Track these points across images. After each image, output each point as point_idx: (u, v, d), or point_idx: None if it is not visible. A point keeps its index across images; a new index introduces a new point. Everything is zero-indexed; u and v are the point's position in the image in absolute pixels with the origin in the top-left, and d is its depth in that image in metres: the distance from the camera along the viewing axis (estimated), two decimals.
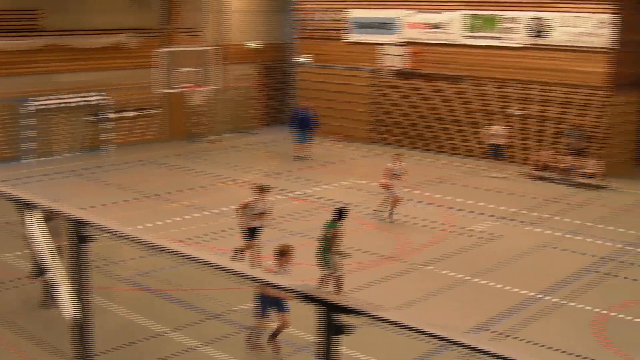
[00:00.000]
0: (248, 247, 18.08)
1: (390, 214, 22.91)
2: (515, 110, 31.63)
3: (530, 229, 22.64)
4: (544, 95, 31.09)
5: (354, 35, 36.41)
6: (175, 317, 15.54)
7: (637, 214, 25.05)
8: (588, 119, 29.78)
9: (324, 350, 5.65)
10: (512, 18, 31.57)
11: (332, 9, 37.08)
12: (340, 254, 16.27)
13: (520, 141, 30.97)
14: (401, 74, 34.60)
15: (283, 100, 40.24)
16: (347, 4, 36.57)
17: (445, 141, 33.94)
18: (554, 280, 18.15)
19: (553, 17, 30.56)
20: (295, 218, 22.76)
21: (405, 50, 34.25)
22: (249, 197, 18.10)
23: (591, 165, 28.54)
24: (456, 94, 33.51)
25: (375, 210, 23.07)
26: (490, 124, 30.07)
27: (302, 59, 38.25)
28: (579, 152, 29.05)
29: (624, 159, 31.60)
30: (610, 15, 29.26)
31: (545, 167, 29.51)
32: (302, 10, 38.25)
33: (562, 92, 30.63)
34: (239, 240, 18.30)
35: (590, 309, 16.65)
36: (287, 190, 25.99)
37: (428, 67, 34.10)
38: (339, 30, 36.86)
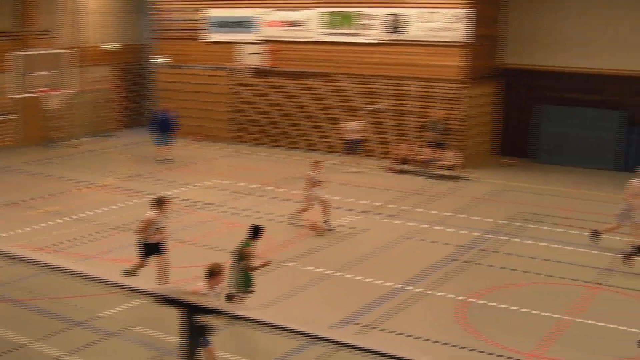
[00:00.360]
0: (141, 265, 16.67)
1: (326, 222, 22.00)
2: (374, 105, 32.07)
3: (392, 221, 22.97)
4: (402, 90, 31.62)
5: (212, 34, 36.17)
6: (38, 327, 15.09)
7: (495, 202, 25.76)
8: (446, 111, 30.44)
9: (187, 352, 5.59)
10: (369, 14, 31.97)
11: (189, 9, 36.73)
12: (255, 269, 15.25)
13: (380, 135, 31.44)
14: (260, 72, 34.58)
15: (142, 102, 39.68)
16: (204, 4, 36.27)
17: (305, 138, 34.11)
18: (418, 271, 18.46)
19: (409, 13, 31.10)
20: None
21: (264, 49, 34.23)
22: (149, 212, 16.65)
23: (449, 156, 29.20)
24: (315, 90, 33.73)
25: (325, 222, 21.91)
26: (348, 120, 30.39)
27: (160, 60, 37.77)
28: (438, 145, 29.65)
29: (481, 150, 32.48)
30: (465, 10, 29.99)
31: (404, 160, 30.02)
32: (159, 11, 37.75)
33: (419, 86, 31.24)
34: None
35: (453, 297, 17.01)
36: (149, 192, 25.57)
37: (286, 65, 34.20)
38: (196, 30, 36.55)
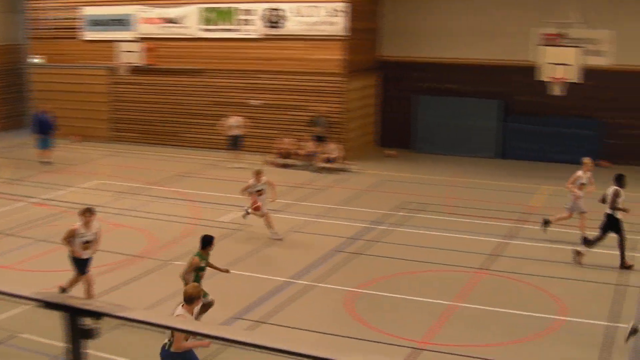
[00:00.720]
0: (75, 282, 15.68)
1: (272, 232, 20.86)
2: (255, 101, 32.02)
3: (278, 215, 22.93)
4: (283, 84, 31.67)
5: (89, 33, 35.48)
6: None
7: (378, 193, 26.04)
8: (327, 105, 30.61)
9: (72, 356, 5.45)
10: (248, 10, 31.88)
11: (65, 7, 35.92)
12: (188, 282, 14.15)
13: (263, 130, 31.41)
14: (139, 70, 34.10)
15: (21, 104, 38.65)
16: (80, 2, 35.50)
17: (187, 135, 33.84)
18: (305, 264, 18.49)
19: (287, 8, 31.13)
20: (39, 224, 21.86)
21: (142, 46, 33.77)
22: (76, 222, 15.58)
23: (332, 149, 29.37)
24: (195, 87, 33.47)
25: (273, 233, 20.76)
26: (229, 116, 30.25)
27: (36, 60, 36.85)
28: (320, 138, 29.80)
29: (362, 142, 32.81)
30: (343, 4, 30.18)
31: (287, 155, 30.07)
32: (34, 10, 36.76)
33: (300, 81, 31.34)
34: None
35: (342, 288, 17.10)
36: (29, 196, 24.97)
37: (166, 63, 33.82)
38: (73, 28, 35.76)
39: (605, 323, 15.33)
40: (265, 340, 4.86)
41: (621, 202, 18.72)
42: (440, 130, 32.89)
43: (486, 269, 18.56)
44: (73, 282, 15.65)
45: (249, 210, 20.96)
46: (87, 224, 15.44)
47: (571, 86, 28.28)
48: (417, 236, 21.09)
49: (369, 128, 33.93)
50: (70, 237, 15.36)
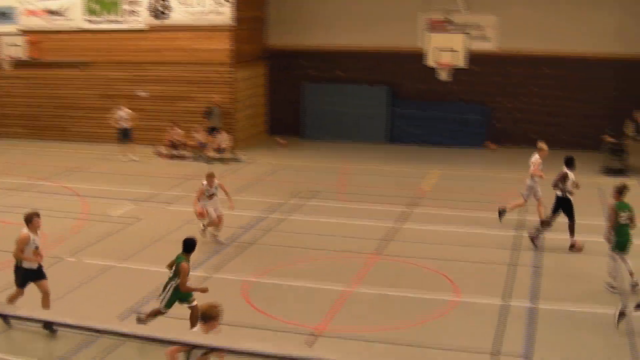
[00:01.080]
0: (19, 295, 14.34)
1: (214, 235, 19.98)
2: (142, 92, 31.63)
3: (170, 208, 22.76)
4: (171, 75, 31.38)
5: None
6: None
7: (270, 182, 26.06)
8: (216, 95, 30.42)
9: None
10: (132, 0, 31.42)
11: None
12: (190, 290, 13.87)
13: (153, 122, 31.05)
14: (23, 64, 33.25)
15: None
16: None
17: (74, 129, 33.20)
18: (200, 255, 18.31)
19: None
20: None
21: (26, 40, 32.94)
22: (24, 230, 14.38)
23: (222, 139, 29.23)
24: (81, 80, 32.85)
25: (215, 236, 19.91)
26: (117, 108, 29.79)
27: None
28: (212, 129, 29.64)
29: (252, 131, 32.77)
30: None
31: (178, 146, 29.81)
32: None
33: (188, 71, 31.11)
34: None
35: (237, 278, 17.04)
36: None
37: (51, 55, 33.07)
38: None
39: (499, 302, 15.67)
40: (160, 333, 4.81)
41: (571, 184, 19.07)
42: (330, 118, 33.08)
43: (380, 253, 18.76)
44: (17, 295, 14.35)
45: (205, 225, 19.92)
46: (32, 231, 14.34)
47: (458, 71, 28.78)
48: (310, 223, 21.18)
49: (259, 117, 33.91)
50: (23, 247, 14.14)
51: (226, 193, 20.17)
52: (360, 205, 22.74)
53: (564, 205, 19.11)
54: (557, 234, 19.79)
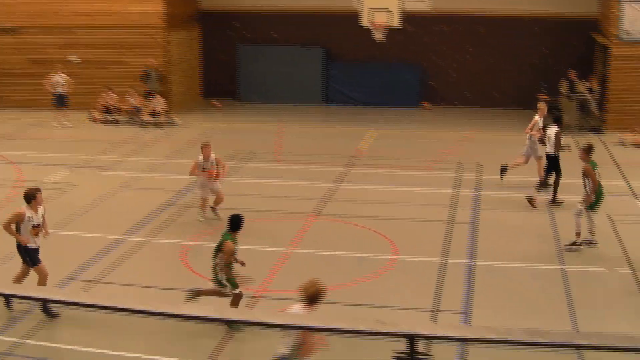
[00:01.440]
0: (24, 274, 13.72)
1: (214, 210, 18.57)
2: (74, 57, 31.11)
3: (106, 173, 22.51)
4: (103, 39, 30.84)
5: None
6: None
7: None
8: (149, 58, 30.00)
9: None
10: None
11: None
12: (231, 276, 12.94)
13: (87, 87, 30.52)
14: None
15: None
16: None
17: (6, 96, 32.47)
18: (137, 220, 18.21)
19: None
20: None
21: None
22: (22, 206, 13.55)
23: (156, 103, 28.93)
24: (12, 46, 32.10)
25: (213, 209, 18.55)
26: (51, 73, 29.23)
27: None
28: (148, 93, 29.27)
29: (187, 95, 32.50)
30: None
31: (112, 111, 29.44)
32: None
33: (120, 35, 30.63)
34: None
35: (176, 242, 16.98)
36: None
37: None
38: None
39: (438, 260, 15.84)
40: (100, 299, 4.76)
41: (563, 142, 19.33)
42: (265, 79, 32.91)
43: (318, 214, 18.81)
44: (23, 275, 13.74)
45: (203, 215, 18.42)
46: (36, 207, 13.54)
47: (392, 32, 28.81)
48: (247, 185, 21.14)
49: (193, 80, 33.62)
50: (13, 223, 13.35)
51: (223, 167, 18.52)
52: (297, 167, 22.75)
53: (553, 163, 19.37)
54: (494, 192, 20.06)
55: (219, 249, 12.97)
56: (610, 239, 16.98)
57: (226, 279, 12.90)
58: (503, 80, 31.71)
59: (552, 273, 15.35)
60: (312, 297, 9.66)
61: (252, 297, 14.04)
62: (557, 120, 19.72)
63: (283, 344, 9.41)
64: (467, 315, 13.45)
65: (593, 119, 28.12)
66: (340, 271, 15.37)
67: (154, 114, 28.73)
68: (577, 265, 15.71)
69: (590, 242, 16.44)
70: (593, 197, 16.20)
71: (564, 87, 28.65)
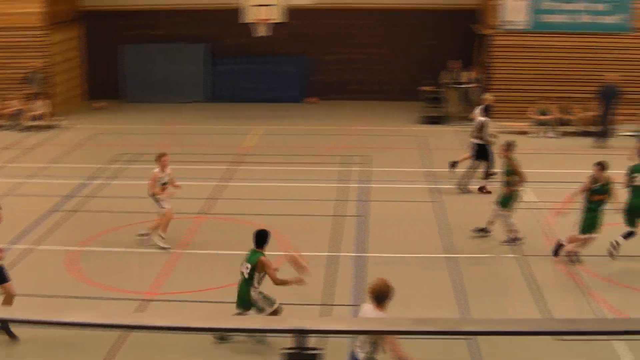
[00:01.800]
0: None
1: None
2: None
3: None
4: None
5: None
6: None
7: (91, 147, 25.55)
8: (29, 60, 29.35)
9: None
10: None
11: None
12: (285, 284, 12.33)
13: None
14: None
15: None
16: None
17: None
18: (21, 228, 17.80)
19: None
20: None
21: None
22: None
23: (39, 106, 28.32)
24: None
25: (142, 235, 16.84)
26: None
27: None
28: (34, 95, 28.61)
29: (70, 96, 31.91)
30: None
31: None
32: None
33: None
34: None
35: (62, 248, 16.69)
36: None
37: None
38: None
39: (327, 253, 15.96)
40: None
41: (489, 131, 19.98)
42: (149, 78, 32.53)
43: (207, 213, 18.74)
44: None
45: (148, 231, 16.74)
46: None
47: (277, 26, 28.81)
48: (133, 188, 20.82)
49: (76, 81, 33.00)
50: None
51: (172, 182, 16.86)
52: (184, 166, 22.51)
53: (481, 151, 20.00)
54: (382, 184, 20.33)
55: (254, 270, 12.19)
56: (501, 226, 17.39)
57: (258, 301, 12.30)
58: (389, 73, 32.05)
59: (440, 261, 15.65)
60: (382, 296, 9.62)
61: (143, 300, 13.92)
62: (485, 110, 20.24)
63: (359, 348, 9.59)
64: (357, 308, 13.58)
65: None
66: (229, 270, 15.30)
67: (35, 117, 28.10)
68: (468, 254, 16.07)
69: (485, 231, 16.84)
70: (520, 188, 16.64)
71: (445, 78, 29.17)
